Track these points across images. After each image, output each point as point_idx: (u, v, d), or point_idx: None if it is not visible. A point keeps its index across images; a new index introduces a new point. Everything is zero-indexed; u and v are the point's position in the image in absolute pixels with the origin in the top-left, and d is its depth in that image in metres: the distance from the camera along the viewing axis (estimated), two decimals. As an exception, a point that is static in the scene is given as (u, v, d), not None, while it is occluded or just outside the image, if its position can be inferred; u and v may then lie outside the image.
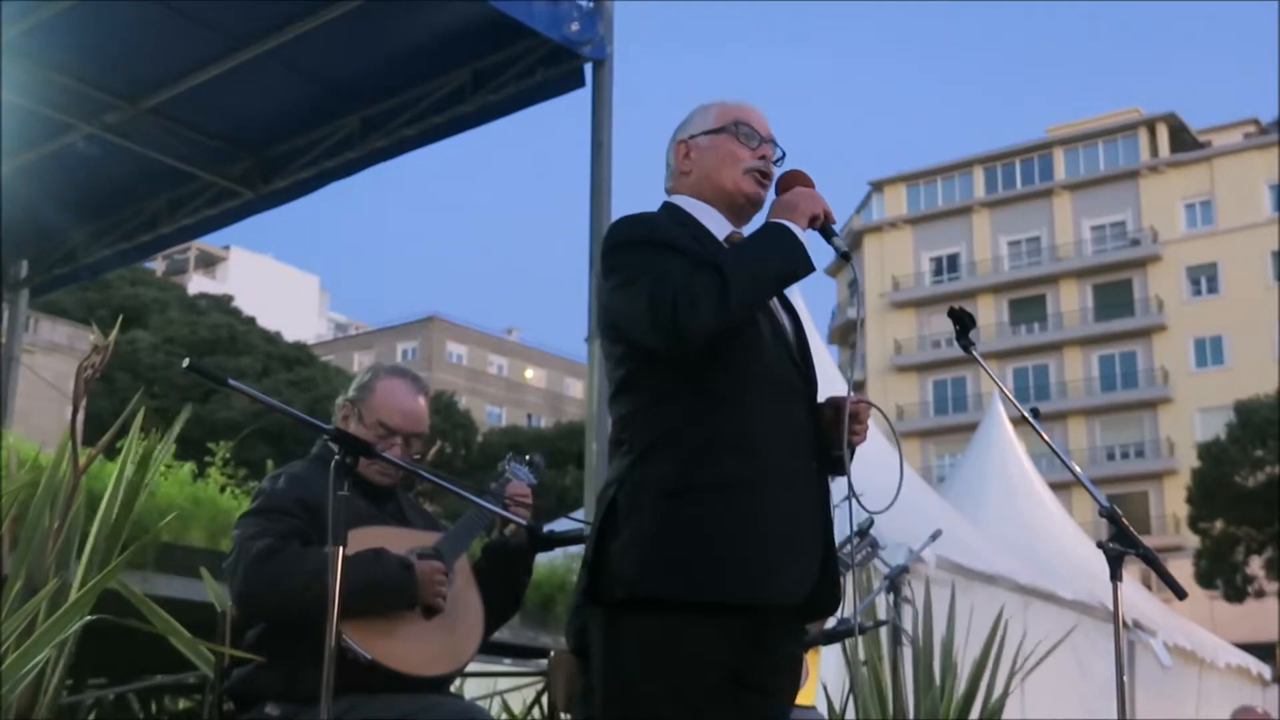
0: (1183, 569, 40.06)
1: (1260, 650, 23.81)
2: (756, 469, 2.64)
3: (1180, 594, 2.77)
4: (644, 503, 2.61)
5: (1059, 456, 2.90)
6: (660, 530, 2.58)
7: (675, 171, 2.97)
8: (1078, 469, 2.95)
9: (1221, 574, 38.82)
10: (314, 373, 42.70)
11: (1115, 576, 2.72)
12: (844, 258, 2.81)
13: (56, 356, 30.50)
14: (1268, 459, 37.12)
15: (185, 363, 2.58)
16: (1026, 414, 2.90)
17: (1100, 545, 2.73)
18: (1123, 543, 2.70)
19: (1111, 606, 2.80)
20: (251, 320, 46.00)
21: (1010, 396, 3.00)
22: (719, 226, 2.88)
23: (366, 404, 3.59)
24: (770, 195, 2.89)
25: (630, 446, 2.70)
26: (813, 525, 2.72)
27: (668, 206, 2.93)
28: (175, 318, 42.24)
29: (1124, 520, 2.70)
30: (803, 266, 2.70)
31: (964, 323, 2.90)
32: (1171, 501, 50.08)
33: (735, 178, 2.89)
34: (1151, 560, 2.68)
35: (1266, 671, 17.03)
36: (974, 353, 2.88)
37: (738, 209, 2.92)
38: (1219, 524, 38.62)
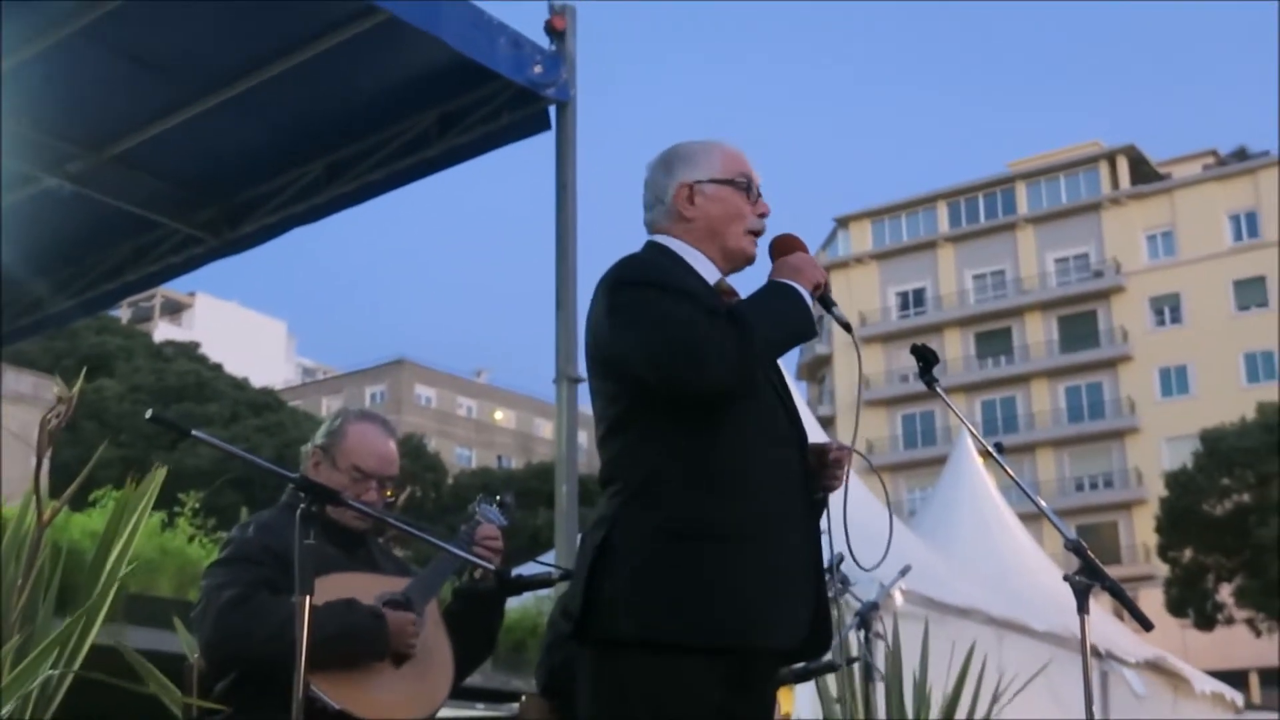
0: (1154, 598, 40.24)
1: (1233, 677, 23.89)
2: (756, 514, 2.65)
3: (1147, 625, 2.78)
4: (642, 545, 2.60)
5: (1024, 490, 2.92)
6: (661, 573, 2.58)
7: (673, 212, 2.89)
8: (1043, 503, 2.97)
9: (1192, 602, 38.99)
10: (282, 418, 42.51)
11: (1082, 609, 2.73)
12: (845, 328, 2.82)
13: (22, 406, 30.23)
14: (1235, 487, 37.37)
15: (148, 414, 2.58)
16: (990, 449, 2.92)
17: (1067, 579, 2.74)
18: (1089, 575, 2.72)
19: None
20: (218, 367, 45.82)
21: (975, 432, 3.01)
22: (709, 272, 2.86)
23: (339, 449, 3.59)
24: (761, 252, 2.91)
25: (624, 485, 2.68)
26: (807, 569, 2.74)
27: (657, 247, 2.89)
28: (142, 365, 42.03)
29: (1090, 553, 2.71)
30: (809, 331, 2.74)
31: (927, 359, 2.93)
32: (1141, 531, 50.28)
33: (739, 236, 2.89)
34: (1117, 593, 2.70)
35: (1239, 699, 17.08)
36: (938, 388, 2.90)
37: (733, 264, 2.91)
38: (1188, 552, 38.82)
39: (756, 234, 2.91)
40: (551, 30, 7.22)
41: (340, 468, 3.56)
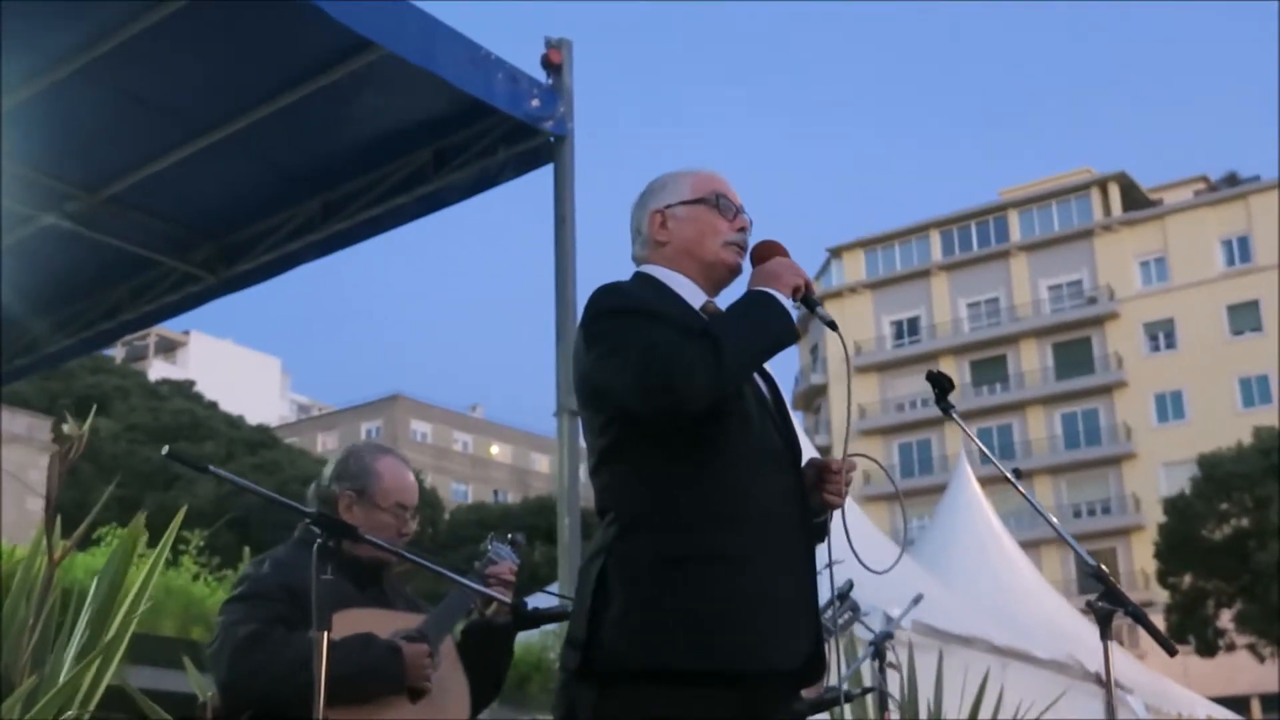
0: (1155, 625, 40.13)
1: (1235, 704, 23.82)
2: (750, 538, 2.63)
3: (1170, 650, 2.76)
4: (638, 574, 2.59)
5: (1045, 518, 2.90)
6: (657, 601, 2.55)
7: (649, 240, 2.94)
8: (1064, 530, 2.95)
9: (1193, 628, 38.91)
10: (278, 455, 42.46)
11: (1105, 636, 2.71)
12: (830, 327, 2.81)
13: (16, 447, 30.14)
14: (1233, 511, 37.36)
15: (165, 450, 2.58)
16: (1009, 475, 2.91)
17: (1090, 605, 2.72)
18: (1110, 601, 2.70)
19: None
20: (213, 405, 45.79)
21: (995, 459, 2.99)
22: (694, 296, 2.87)
23: (379, 489, 3.61)
24: (746, 265, 2.90)
25: (617, 515, 2.67)
26: (803, 591, 2.72)
27: (641, 276, 2.92)
28: (137, 405, 41.98)
29: (1111, 579, 2.69)
30: (790, 335, 2.72)
31: (943, 385, 2.90)
32: (1140, 557, 50.23)
33: (716, 249, 2.90)
34: (1140, 618, 2.67)
35: (1242, 725, 17.00)
36: (954, 415, 2.88)
37: (717, 280, 2.92)
38: (1188, 578, 38.77)
39: (738, 246, 2.92)
40: (548, 64, 7.20)
41: (383, 506, 3.59)
